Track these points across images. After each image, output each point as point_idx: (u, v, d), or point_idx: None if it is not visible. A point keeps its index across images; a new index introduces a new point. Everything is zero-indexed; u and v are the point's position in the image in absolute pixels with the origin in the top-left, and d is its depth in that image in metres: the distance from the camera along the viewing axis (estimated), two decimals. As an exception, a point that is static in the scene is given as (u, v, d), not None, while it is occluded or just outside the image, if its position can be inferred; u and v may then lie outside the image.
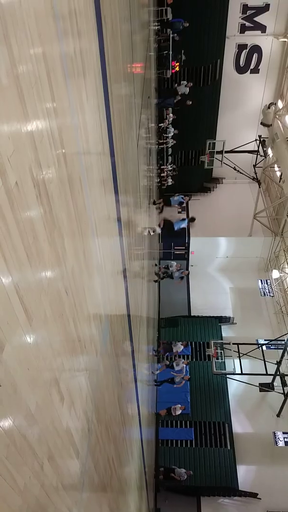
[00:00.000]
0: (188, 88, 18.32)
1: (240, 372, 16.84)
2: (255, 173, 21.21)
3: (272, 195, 22.87)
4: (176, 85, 18.55)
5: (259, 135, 20.37)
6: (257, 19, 19.07)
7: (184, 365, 17.32)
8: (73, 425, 3.35)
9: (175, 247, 22.99)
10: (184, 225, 16.71)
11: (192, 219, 16.71)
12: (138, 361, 9.41)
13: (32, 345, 2.33)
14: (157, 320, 20.63)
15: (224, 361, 17.38)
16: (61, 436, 3.02)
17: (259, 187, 21.44)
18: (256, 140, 20.57)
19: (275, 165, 20.94)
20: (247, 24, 19.24)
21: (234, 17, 18.92)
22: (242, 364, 17.27)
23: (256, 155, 20.52)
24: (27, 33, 2.13)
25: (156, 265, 18.82)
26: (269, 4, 18.60)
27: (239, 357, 17.32)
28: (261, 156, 20.17)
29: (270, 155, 20.27)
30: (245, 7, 18.74)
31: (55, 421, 2.85)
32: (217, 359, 17.39)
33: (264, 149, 19.77)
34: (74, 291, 3.22)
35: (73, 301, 3.20)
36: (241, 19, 19.10)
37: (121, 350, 6.40)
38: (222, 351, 17.73)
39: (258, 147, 20.12)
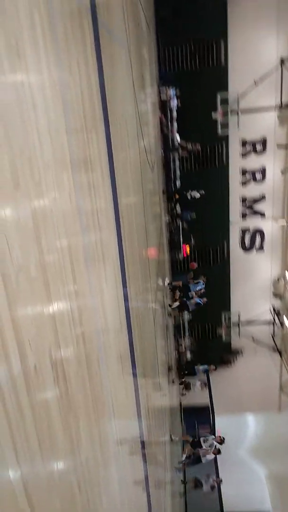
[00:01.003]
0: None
1: None
2: (275, 343, 20.93)
3: (296, 365, 22.03)
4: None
5: (272, 305, 20.84)
6: (255, 207, 21.65)
7: (214, 441, 14.27)
8: None
9: (200, 426, 21.12)
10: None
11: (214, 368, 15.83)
12: None
13: None
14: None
15: None
16: None
17: (281, 358, 20.84)
18: (270, 310, 20.96)
19: (294, 335, 20.79)
20: (248, 211, 21.77)
21: (235, 206, 21.53)
22: None
23: (273, 325, 20.63)
24: (55, 230, 2.44)
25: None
26: (265, 196, 21.34)
27: None
28: (277, 326, 20.25)
29: (287, 325, 20.33)
30: (243, 199, 21.50)
31: None
32: None
33: (280, 319, 19.99)
34: (88, 486, 2.86)
35: (87, 499, 2.81)
36: (242, 208, 21.71)
37: None
38: None
39: (274, 317, 20.35)
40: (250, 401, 21.20)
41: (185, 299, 15.89)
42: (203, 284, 16.75)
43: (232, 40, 17.92)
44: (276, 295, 20.73)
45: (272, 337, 21.08)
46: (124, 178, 5.43)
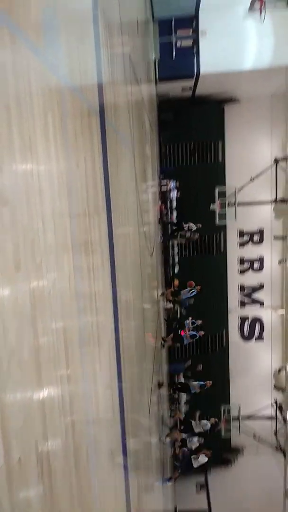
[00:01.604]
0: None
1: None
2: (278, 441, 19.59)
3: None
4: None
5: (275, 400, 19.89)
6: (254, 296, 21.71)
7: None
8: None
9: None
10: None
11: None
12: None
13: None
14: None
15: None
16: None
17: (285, 458, 19.36)
18: (272, 404, 19.97)
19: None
20: (246, 300, 21.79)
21: (234, 294, 21.60)
22: None
23: (275, 421, 19.51)
24: (52, 312, 2.43)
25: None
26: (263, 285, 21.49)
27: None
28: (280, 422, 19.15)
29: (290, 421, 19.22)
30: (242, 287, 21.64)
31: None
32: None
33: (283, 414, 18.97)
34: None
35: None
36: (240, 296, 21.76)
37: None
38: None
39: (276, 413, 19.32)
40: (252, 506, 19.31)
41: (179, 330, 15.66)
42: (196, 292, 16.48)
43: (229, 140, 19.46)
44: (278, 388, 19.90)
45: (275, 434, 19.80)
46: (123, 262, 5.54)
